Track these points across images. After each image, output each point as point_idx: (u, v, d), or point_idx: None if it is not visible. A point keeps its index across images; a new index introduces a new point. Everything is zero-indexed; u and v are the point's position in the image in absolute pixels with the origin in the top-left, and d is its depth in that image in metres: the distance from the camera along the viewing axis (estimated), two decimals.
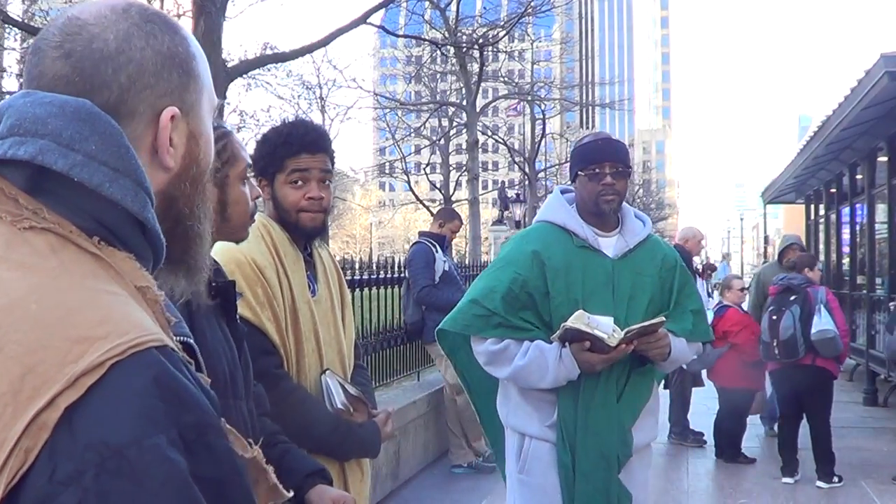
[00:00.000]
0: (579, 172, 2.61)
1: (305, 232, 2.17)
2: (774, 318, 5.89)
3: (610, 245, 2.61)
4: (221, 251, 1.99)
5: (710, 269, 14.04)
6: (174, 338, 0.79)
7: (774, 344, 5.85)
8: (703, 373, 6.95)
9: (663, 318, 2.47)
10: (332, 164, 2.21)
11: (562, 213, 2.66)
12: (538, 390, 2.55)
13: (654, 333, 2.47)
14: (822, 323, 5.65)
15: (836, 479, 5.80)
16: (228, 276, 1.95)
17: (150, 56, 0.83)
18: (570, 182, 2.76)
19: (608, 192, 2.56)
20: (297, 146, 2.12)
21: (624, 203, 2.71)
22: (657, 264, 2.65)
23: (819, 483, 5.80)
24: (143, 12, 0.85)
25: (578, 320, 2.39)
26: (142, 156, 0.83)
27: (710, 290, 15.95)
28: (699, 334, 2.72)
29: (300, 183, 2.13)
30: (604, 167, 2.57)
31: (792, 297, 5.90)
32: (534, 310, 2.54)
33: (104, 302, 0.71)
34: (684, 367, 6.65)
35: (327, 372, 2.13)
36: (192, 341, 0.84)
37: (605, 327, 2.41)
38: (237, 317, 1.69)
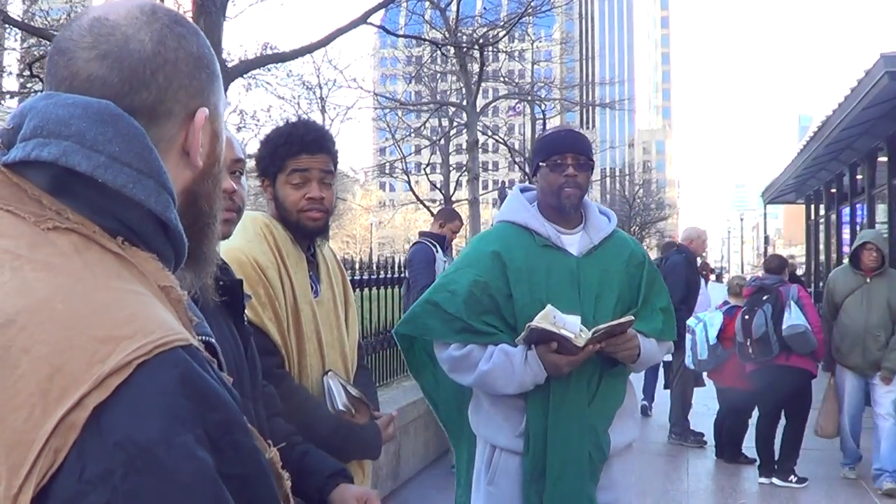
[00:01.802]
0: (541, 164, 2.54)
1: (307, 232, 2.16)
2: (747, 317, 5.95)
3: (574, 242, 2.53)
4: (223, 251, 1.99)
5: (705, 269, 14.02)
6: (197, 337, 0.79)
7: (748, 343, 5.90)
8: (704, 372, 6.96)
9: (632, 318, 2.39)
10: (335, 164, 2.20)
11: (522, 212, 2.58)
12: (508, 398, 2.46)
13: (623, 335, 2.39)
14: (792, 318, 5.71)
15: (793, 478, 5.82)
16: None
17: (183, 57, 0.84)
18: (534, 179, 2.68)
19: (570, 184, 2.48)
20: (298, 146, 2.12)
21: (587, 199, 2.63)
22: (624, 260, 2.56)
23: (775, 479, 5.86)
24: (169, 14, 0.86)
25: (545, 319, 2.29)
26: (172, 156, 0.84)
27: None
28: (668, 333, 2.62)
29: (300, 183, 2.13)
30: (566, 158, 2.49)
31: (765, 297, 5.97)
32: (497, 313, 2.45)
33: (129, 301, 0.72)
34: (691, 366, 6.66)
35: (329, 373, 2.12)
36: (213, 341, 0.85)
37: (571, 326, 2.31)
38: (244, 316, 1.69)
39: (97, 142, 0.76)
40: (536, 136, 29.45)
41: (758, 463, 6.11)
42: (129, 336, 0.68)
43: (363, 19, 11.52)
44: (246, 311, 1.94)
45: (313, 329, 2.12)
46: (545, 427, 2.42)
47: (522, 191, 2.70)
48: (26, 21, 15.03)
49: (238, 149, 1.79)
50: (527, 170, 28.84)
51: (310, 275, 2.18)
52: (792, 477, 5.84)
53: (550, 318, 2.31)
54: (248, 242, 2.06)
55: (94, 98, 0.79)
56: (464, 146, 26.26)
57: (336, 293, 2.27)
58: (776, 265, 6.30)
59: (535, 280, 2.45)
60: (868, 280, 5.85)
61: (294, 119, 2.31)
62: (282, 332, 2.05)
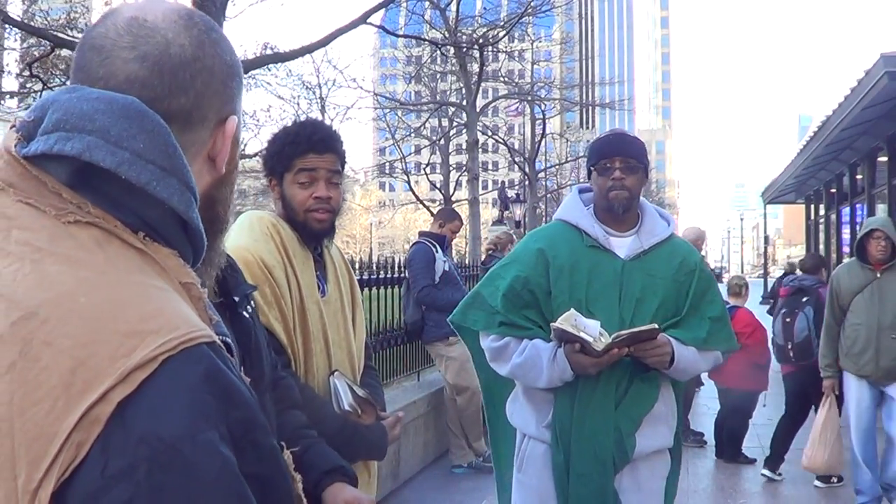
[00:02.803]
0: (591, 168, 2.59)
1: (314, 232, 2.16)
2: (788, 320, 5.88)
3: (624, 245, 2.55)
4: (229, 250, 1.99)
5: None
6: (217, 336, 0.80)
7: (789, 347, 5.84)
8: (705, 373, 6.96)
9: (655, 326, 2.39)
10: (342, 164, 2.19)
11: (575, 211, 2.63)
12: (540, 390, 2.54)
13: (652, 341, 2.39)
14: None
15: (834, 479, 5.80)
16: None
17: (220, 64, 0.85)
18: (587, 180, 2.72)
19: (616, 187, 2.52)
20: (305, 145, 2.11)
21: (646, 202, 2.66)
22: (674, 267, 2.56)
23: (817, 483, 5.81)
24: (204, 20, 0.86)
25: (566, 321, 2.35)
26: (198, 160, 0.84)
27: None
28: (717, 342, 2.60)
29: (307, 182, 2.12)
30: (614, 161, 2.53)
31: (804, 299, 5.89)
32: (537, 308, 2.52)
33: (153, 296, 0.72)
34: None
35: (335, 373, 2.12)
36: (230, 341, 0.84)
37: (591, 330, 2.35)
38: (243, 309, 1.68)
39: (121, 138, 0.75)
40: (536, 136, 29.48)
41: (766, 455, 6.05)
42: (154, 331, 0.67)
43: (363, 19, 11.53)
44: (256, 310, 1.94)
45: (320, 328, 2.11)
46: (570, 423, 2.48)
47: (581, 191, 2.74)
48: (26, 21, 15.04)
49: None
50: (526, 170, 28.86)
51: (317, 274, 2.18)
52: (833, 479, 5.77)
53: (571, 321, 2.36)
54: (254, 241, 2.06)
55: (119, 94, 0.78)
56: (464, 146, 26.27)
57: (343, 293, 2.26)
58: (812, 265, 6.23)
59: (576, 279, 2.49)
60: (879, 275, 4.87)
61: (299, 119, 2.31)
62: (288, 331, 2.04)
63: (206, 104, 0.83)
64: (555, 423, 2.50)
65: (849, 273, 5.05)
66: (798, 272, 6.50)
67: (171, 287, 0.75)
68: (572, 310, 2.39)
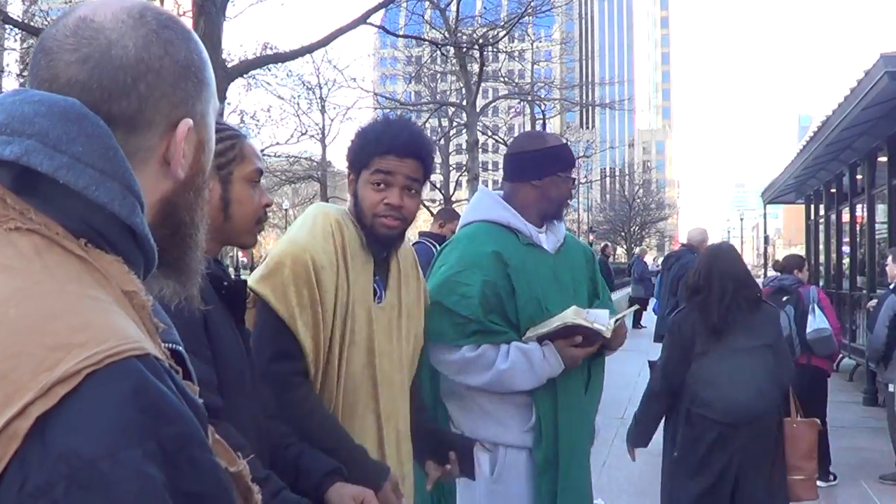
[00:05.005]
0: (560, 174, 2.60)
1: (378, 238, 2.06)
2: None
3: (546, 241, 2.63)
4: (283, 244, 1.97)
5: None
6: (162, 345, 0.77)
7: None
8: None
9: (631, 310, 2.54)
10: (426, 174, 2.11)
11: (502, 211, 2.62)
12: (514, 396, 2.48)
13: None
14: (817, 322, 5.68)
15: (831, 477, 5.81)
16: (278, 269, 1.92)
17: (168, 65, 0.81)
18: (532, 180, 2.60)
19: (571, 196, 2.72)
20: (386, 145, 2.03)
21: None
22: (581, 256, 2.74)
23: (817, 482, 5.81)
24: (158, 18, 0.83)
25: (577, 316, 2.39)
26: (152, 164, 0.81)
27: None
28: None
29: (382, 186, 2.04)
30: (572, 172, 2.69)
31: (785, 298, 5.94)
32: (501, 312, 2.48)
33: (85, 307, 0.69)
34: None
35: None
36: (181, 349, 0.82)
37: (602, 320, 2.44)
38: (244, 318, 1.68)
39: (60, 141, 0.74)
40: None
41: None
42: (80, 344, 0.65)
43: (363, 19, 11.52)
44: (281, 307, 1.90)
45: (365, 336, 2.02)
46: (555, 419, 2.49)
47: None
48: (26, 21, 15.04)
49: (259, 158, 1.76)
50: None
51: (375, 279, 2.10)
52: (830, 476, 5.79)
53: (583, 315, 2.42)
54: (312, 239, 1.99)
55: (60, 96, 0.76)
56: (464, 146, 26.29)
57: (403, 301, 2.17)
58: (788, 264, 6.30)
59: (529, 277, 2.52)
60: None
61: (394, 118, 2.16)
62: (316, 339, 1.95)
63: (152, 108, 0.80)
64: (539, 423, 2.48)
65: None
66: (776, 272, 6.55)
67: (110, 296, 0.73)
68: (574, 306, 2.44)
